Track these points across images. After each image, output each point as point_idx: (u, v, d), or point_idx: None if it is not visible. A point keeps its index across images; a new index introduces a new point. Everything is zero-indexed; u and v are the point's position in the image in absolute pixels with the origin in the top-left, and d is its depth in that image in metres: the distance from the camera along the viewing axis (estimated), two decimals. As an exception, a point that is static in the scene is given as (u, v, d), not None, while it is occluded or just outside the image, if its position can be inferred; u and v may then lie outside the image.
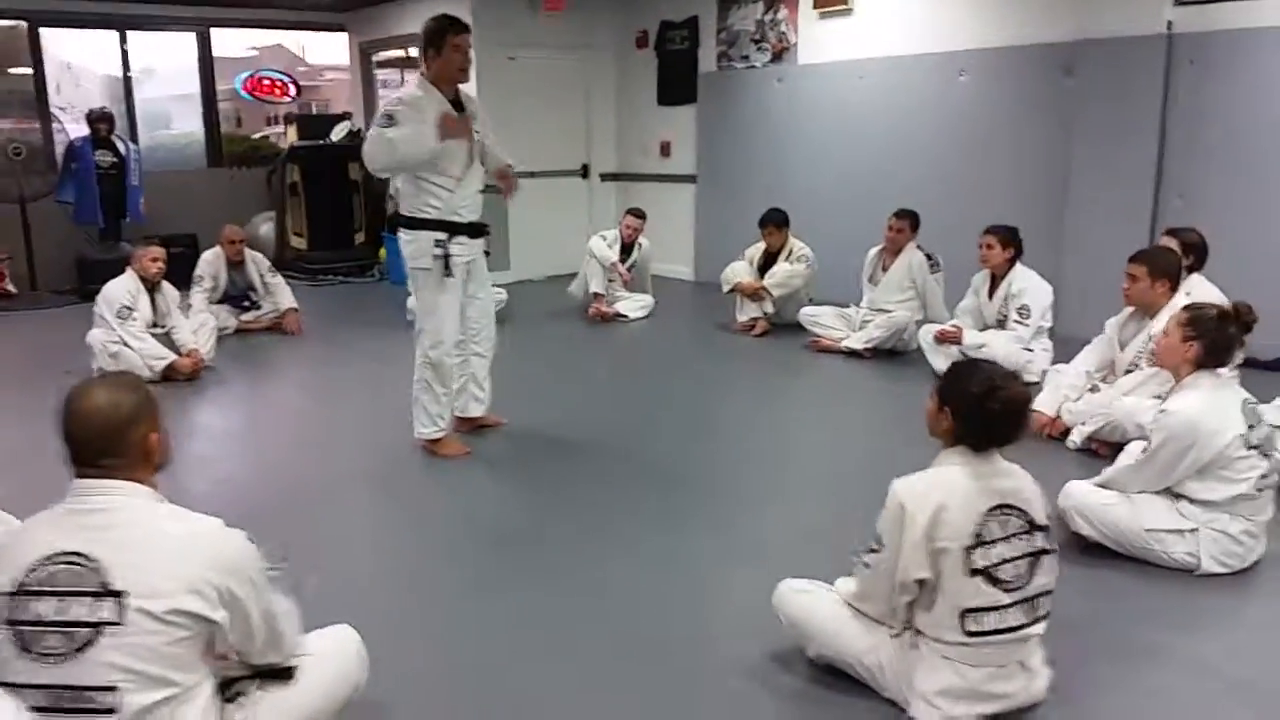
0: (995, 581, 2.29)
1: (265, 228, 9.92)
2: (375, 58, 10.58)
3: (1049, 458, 4.25)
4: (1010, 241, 5.41)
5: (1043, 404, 4.51)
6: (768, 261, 7.03)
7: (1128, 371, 4.34)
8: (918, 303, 6.28)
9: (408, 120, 4.01)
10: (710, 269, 8.31)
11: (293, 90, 10.42)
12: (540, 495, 4.03)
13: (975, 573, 2.28)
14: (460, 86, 4.34)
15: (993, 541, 2.29)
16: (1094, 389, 4.45)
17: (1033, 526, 2.35)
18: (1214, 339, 3.13)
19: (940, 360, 5.63)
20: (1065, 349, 5.12)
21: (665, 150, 9.43)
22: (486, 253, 4.67)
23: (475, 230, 4.39)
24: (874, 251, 6.50)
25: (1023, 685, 2.38)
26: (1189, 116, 5.90)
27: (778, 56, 8.24)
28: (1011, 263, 5.45)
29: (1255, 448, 3.08)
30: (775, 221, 6.93)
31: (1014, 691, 2.36)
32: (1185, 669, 2.63)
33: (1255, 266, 5.65)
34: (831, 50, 7.83)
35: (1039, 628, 2.36)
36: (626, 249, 7.64)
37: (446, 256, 4.25)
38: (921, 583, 2.32)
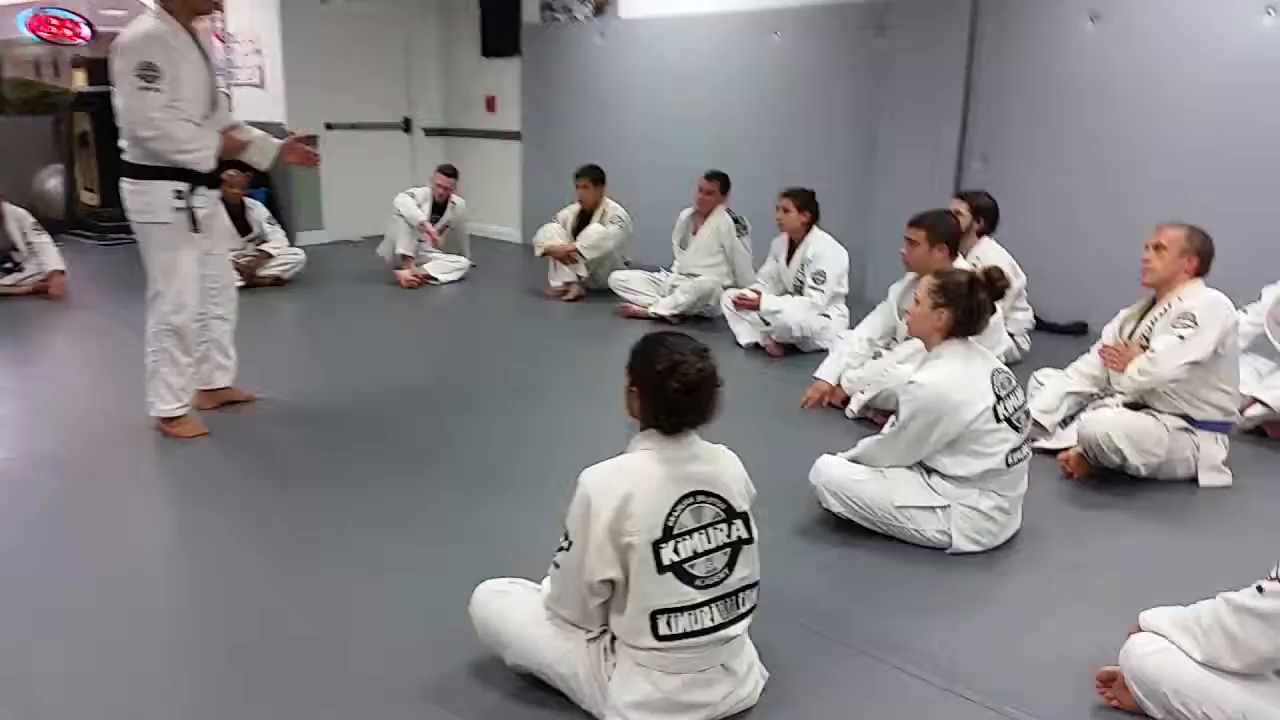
0: (688, 578, 2.06)
1: (53, 182, 9.08)
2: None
3: (829, 428, 4.11)
4: (807, 205, 5.25)
5: (824, 371, 4.38)
6: (582, 223, 6.73)
7: (908, 338, 4.21)
8: (727, 267, 6.09)
9: (164, 74, 3.56)
10: (537, 230, 7.93)
11: (86, 31, 9.50)
12: (271, 486, 3.59)
13: (665, 569, 2.04)
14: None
15: (685, 534, 2.06)
16: (877, 356, 4.33)
17: (730, 514, 2.12)
18: (965, 306, 2.97)
19: (742, 327, 5.47)
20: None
21: (490, 105, 8.99)
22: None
23: (213, 180, 3.92)
24: (685, 214, 6.28)
25: (727, 691, 2.16)
26: (992, 79, 5.85)
27: (599, 9, 7.90)
28: (809, 227, 5.29)
29: (1005, 420, 2.95)
30: (591, 176, 6.62)
31: (716, 700, 2.14)
32: (915, 664, 2.47)
33: (1052, 231, 5.69)
34: (653, 4, 7.52)
35: (740, 626, 2.15)
36: (439, 208, 7.21)
37: (191, 209, 3.77)
38: (611, 583, 2.07)
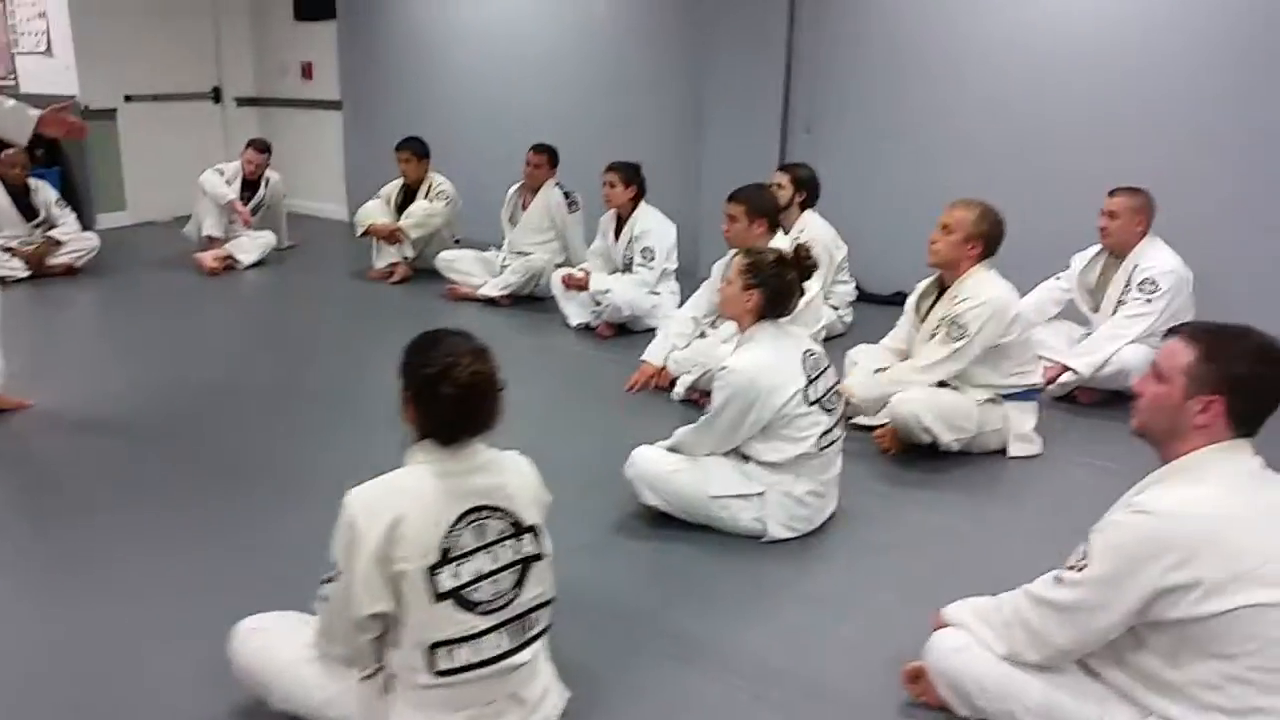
0: (469, 605, 1.88)
1: None
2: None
3: (657, 413, 3.99)
4: (632, 179, 5.11)
5: (650, 354, 4.27)
6: (407, 200, 6.40)
7: (732, 316, 4.14)
8: (558, 244, 5.87)
9: None
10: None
11: None
12: (29, 504, 3.25)
13: (443, 597, 1.86)
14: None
15: (466, 555, 1.88)
16: (702, 335, 4.24)
17: (519, 529, 1.96)
18: (774, 286, 2.89)
19: (572, 307, 5.31)
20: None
21: (307, 72, 8.46)
22: None
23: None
24: (513, 189, 6.04)
25: (518, 720, 2.00)
26: (814, 45, 5.81)
27: (419, -31, 7.51)
28: (635, 201, 5.16)
29: (816, 402, 2.88)
30: (412, 149, 6.28)
31: (505, 731, 1.98)
32: (727, 666, 2.38)
33: (874, 200, 5.71)
34: (475, -38, 7.20)
35: (530, 651, 1.99)
36: (251, 186, 6.73)
37: None
38: (383, 616, 1.87)
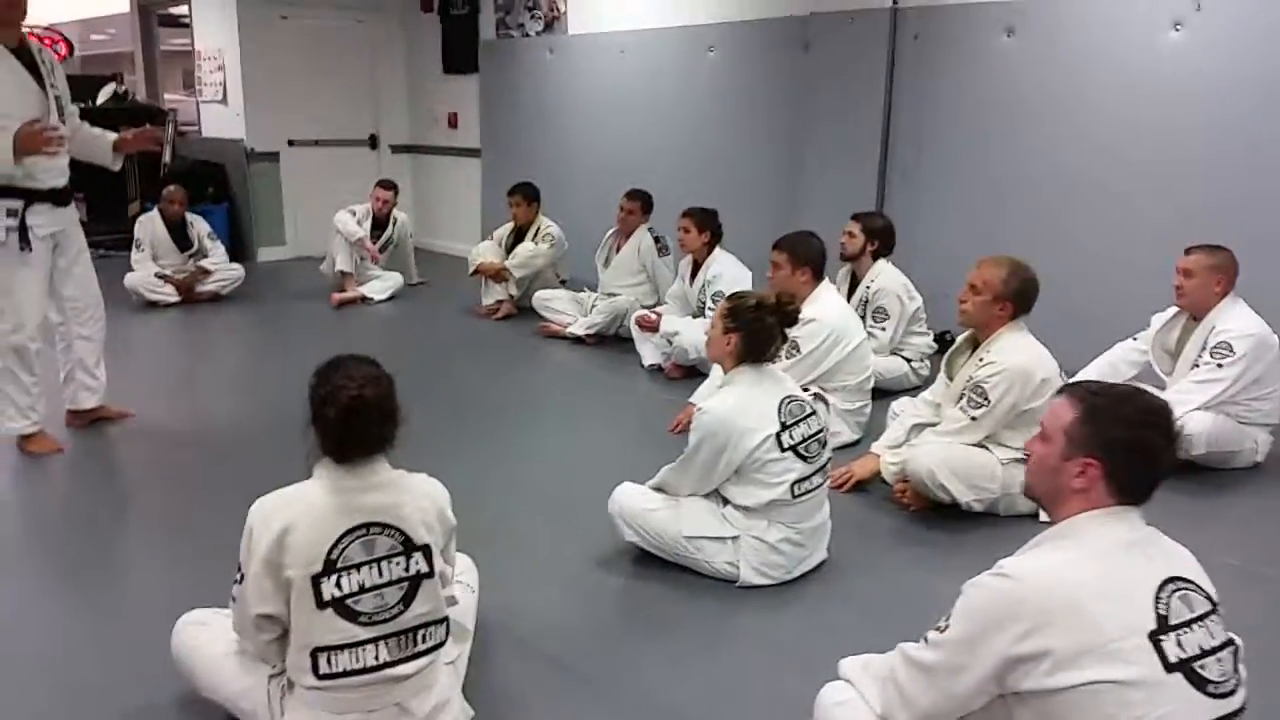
0: (351, 615, 2.00)
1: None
2: (158, 13, 9.94)
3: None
4: (707, 224, 5.18)
5: (698, 396, 4.28)
6: (517, 241, 6.70)
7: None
8: (649, 286, 6.01)
9: None
10: (480, 248, 7.93)
11: (65, 49, 9.69)
12: (90, 508, 3.59)
13: (325, 605, 1.98)
14: (26, 32, 3.82)
15: (350, 568, 2.00)
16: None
17: (410, 547, 2.06)
18: (751, 330, 2.89)
19: (647, 348, 5.40)
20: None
21: (453, 121, 9.02)
22: (83, 221, 4.19)
23: (60, 197, 3.93)
24: (609, 233, 6.22)
25: (403, 731, 2.09)
26: (913, 94, 5.73)
27: (549, 25, 7.89)
28: (710, 246, 5.22)
29: (791, 449, 2.85)
30: (523, 193, 6.60)
31: (389, 740, 2.08)
32: (640, 706, 2.39)
33: (969, 248, 5.49)
34: (598, 21, 7.50)
35: (416, 665, 2.07)
36: (380, 224, 7.23)
37: (23, 228, 3.79)
38: (273, 618, 2.02)
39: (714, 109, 6.79)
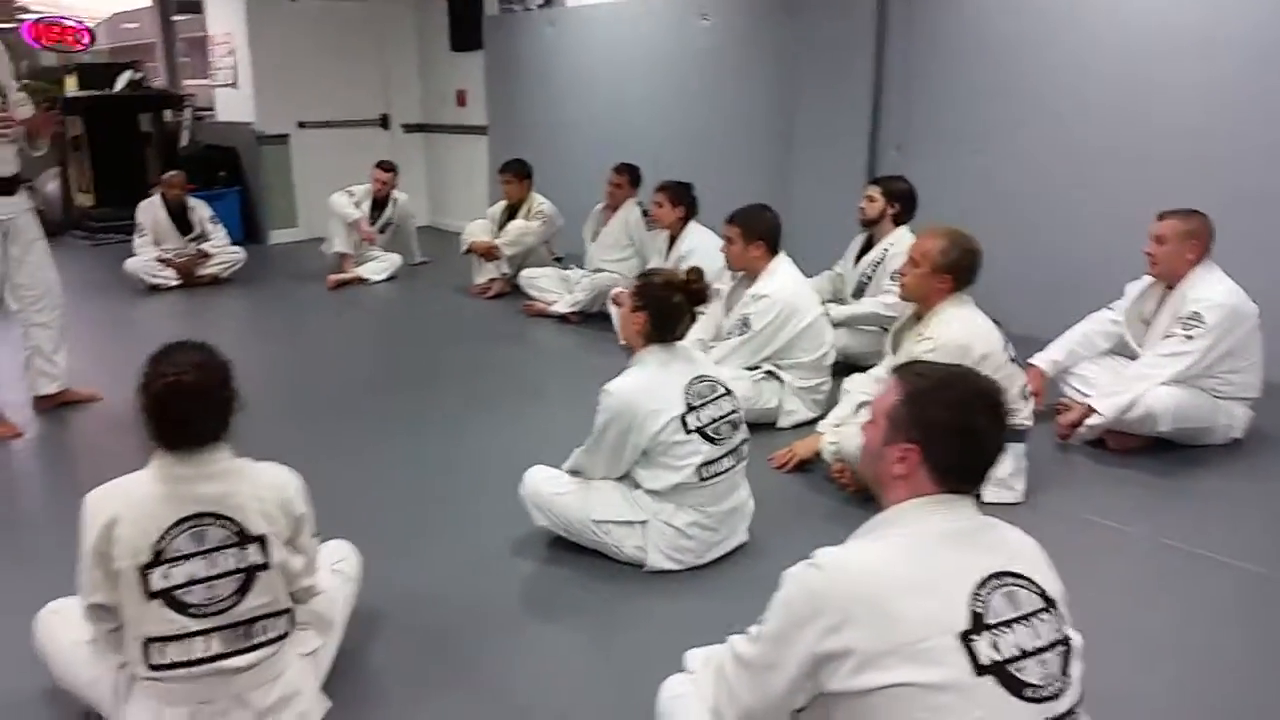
0: (179, 606, 1.96)
1: (51, 185, 9.43)
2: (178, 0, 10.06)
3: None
4: (680, 198, 5.05)
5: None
6: (510, 219, 6.63)
7: (725, 338, 4.01)
8: (637, 261, 5.89)
9: None
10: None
11: (87, 38, 9.84)
12: (34, 491, 3.63)
13: (154, 595, 1.95)
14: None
15: (180, 558, 1.96)
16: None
17: (244, 538, 2.01)
18: (659, 309, 2.79)
19: (623, 324, 5.29)
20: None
21: (461, 99, 8.96)
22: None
23: (7, 186, 3.95)
24: (598, 208, 6.12)
25: (246, 725, 2.05)
26: (904, 63, 5.51)
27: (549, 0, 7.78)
28: (684, 221, 5.09)
29: (697, 431, 2.75)
30: (514, 170, 6.52)
31: (231, 735, 2.04)
32: (495, 695, 2.32)
33: (966, 221, 5.29)
34: (596, -8, 7.37)
35: (253, 657, 2.03)
36: (379, 205, 7.22)
37: None
38: (105, 607, 1.99)
39: (708, 80, 6.63)
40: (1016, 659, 1.50)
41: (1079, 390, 3.85)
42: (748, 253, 3.90)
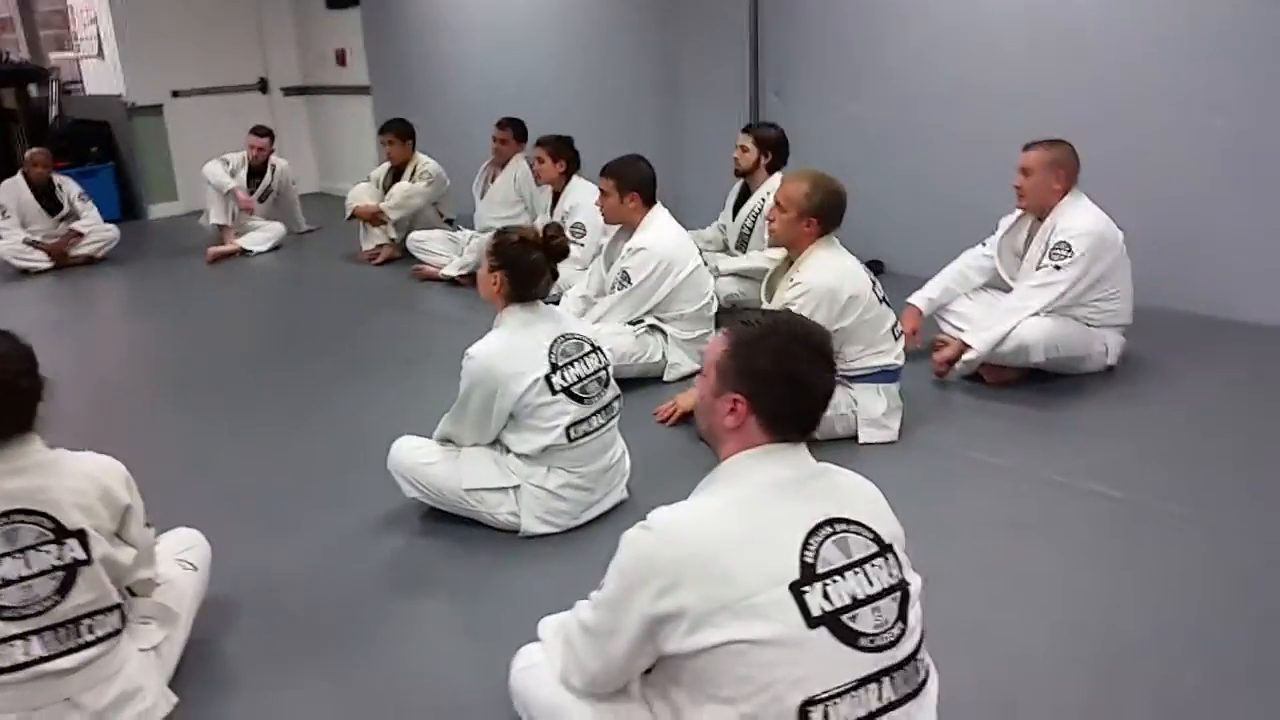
0: (-4, 610, 1.83)
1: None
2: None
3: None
4: (561, 154, 4.94)
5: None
6: (395, 181, 6.43)
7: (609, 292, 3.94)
8: (528, 218, 5.76)
9: None
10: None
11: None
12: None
13: (-31, 600, 1.82)
14: None
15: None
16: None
17: (61, 534, 1.88)
18: (517, 267, 2.70)
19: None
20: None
21: (341, 58, 8.63)
22: None
23: None
24: (484, 165, 5.97)
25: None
26: (778, 7, 5.44)
27: (426, -51, 7.50)
28: (567, 176, 4.98)
29: (564, 390, 2.68)
30: (395, 130, 6.30)
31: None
32: (360, 680, 2.25)
33: (848, 165, 5.27)
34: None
35: (77, 658, 1.91)
36: (257, 172, 6.93)
37: None
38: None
39: (591, 30, 6.49)
40: (849, 608, 1.47)
41: (955, 326, 3.87)
42: (623, 205, 3.82)
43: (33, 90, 8.90)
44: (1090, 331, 3.64)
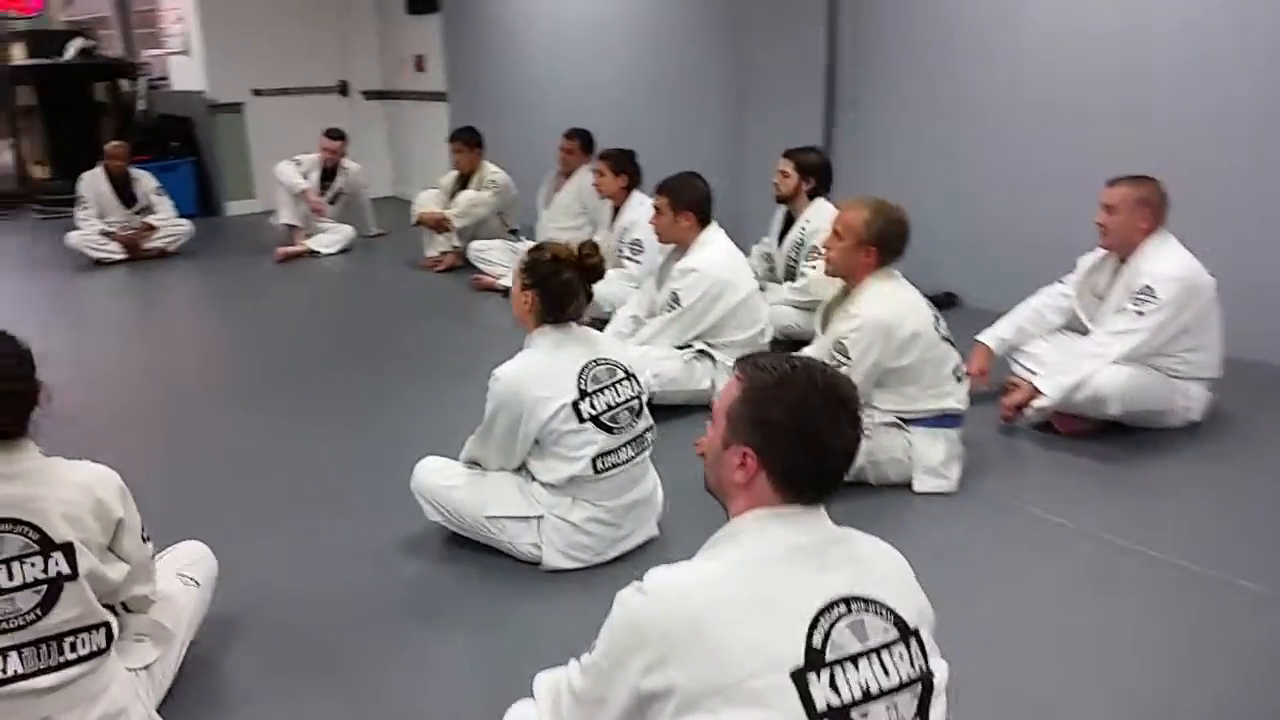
0: (-30, 624, 1.76)
1: (5, 157, 9.20)
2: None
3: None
4: (622, 168, 4.82)
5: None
6: (462, 189, 6.39)
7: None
8: (591, 229, 5.66)
9: None
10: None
11: (37, 3, 9.54)
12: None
13: (-60, 613, 1.75)
14: None
15: (-30, 572, 1.76)
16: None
17: (47, 546, 1.81)
18: (550, 287, 2.57)
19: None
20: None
21: (419, 64, 8.68)
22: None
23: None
24: (551, 175, 5.90)
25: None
26: (857, 19, 5.25)
27: (508, -42, 7.49)
28: (628, 190, 4.86)
29: (591, 419, 2.54)
30: (464, 138, 6.28)
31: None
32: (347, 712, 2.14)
33: (929, 187, 5.06)
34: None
35: (58, 676, 1.83)
36: (329, 175, 6.97)
37: None
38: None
39: (662, 41, 6.36)
40: (859, 702, 1.30)
41: (1028, 369, 3.63)
42: (677, 224, 3.68)
43: (124, 85, 9.13)
44: (1173, 384, 3.38)
